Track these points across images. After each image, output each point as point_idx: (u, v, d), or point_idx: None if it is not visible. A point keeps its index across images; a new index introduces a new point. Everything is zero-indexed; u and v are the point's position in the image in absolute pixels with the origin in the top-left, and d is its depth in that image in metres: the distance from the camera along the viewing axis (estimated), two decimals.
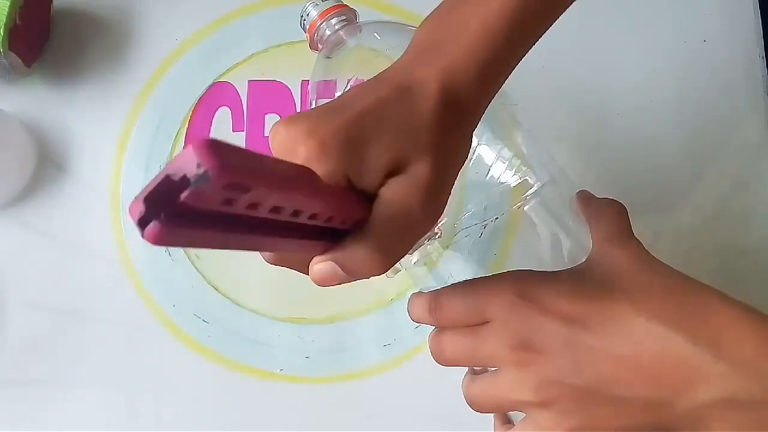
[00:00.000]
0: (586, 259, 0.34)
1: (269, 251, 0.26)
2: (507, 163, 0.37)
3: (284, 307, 0.47)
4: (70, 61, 0.51)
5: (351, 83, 0.40)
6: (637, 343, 0.29)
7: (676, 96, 0.51)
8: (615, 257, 0.33)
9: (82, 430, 0.45)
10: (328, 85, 0.42)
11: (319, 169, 0.25)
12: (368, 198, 0.27)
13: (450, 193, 0.29)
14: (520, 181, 0.36)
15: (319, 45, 0.43)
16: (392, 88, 0.28)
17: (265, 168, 0.21)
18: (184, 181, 0.18)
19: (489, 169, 0.37)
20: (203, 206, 0.19)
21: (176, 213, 0.18)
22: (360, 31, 0.42)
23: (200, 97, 0.51)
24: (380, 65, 0.31)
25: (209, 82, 0.51)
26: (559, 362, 0.30)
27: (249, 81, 0.51)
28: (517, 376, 0.31)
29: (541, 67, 0.48)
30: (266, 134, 0.50)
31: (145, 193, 0.18)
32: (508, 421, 0.36)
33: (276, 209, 0.22)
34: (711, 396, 0.28)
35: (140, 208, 0.18)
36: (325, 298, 0.47)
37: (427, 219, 0.27)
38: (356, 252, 0.26)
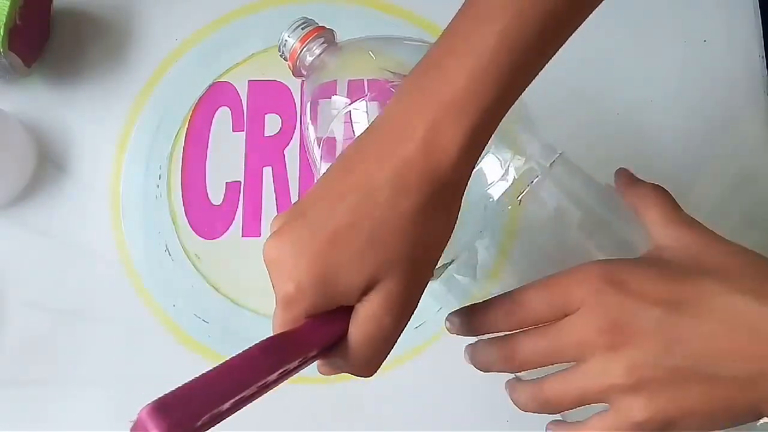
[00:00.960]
0: (652, 248, 0.33)
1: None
2: (505, 162, 0.37)
3: None
4: (70, 61, 0.51)
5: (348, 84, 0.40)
6: (731, 319, 0.29)
7: (676, 96, 0.51)
8: (685, 238, 0.32)
9: (82, 430, 0.45)
10: (327, 86, 0.41)
11: (299, 307, 0.28)
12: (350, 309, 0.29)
13: (425, 287, 0.30)
14: (516, 176, 0.36)
15: (302, 71, 0.43)
16: (363, 194, 0.28)
17: (220, 394, 0.24)
18: None
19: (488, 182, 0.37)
20: None
21: None
22: (341, 51, 0.42)
23: (200, 97, 0.51)
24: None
25: (209, 82, 0.51)
26: (652, 343, 0.29)
27: (249, 81, 0.51)
28: (606, 361, 0.30)
29: None
30: (266, 134, 0.50)
31: None
32: (564, 423, 0.35)
33: (245, 399, 0.25)
34: None
35: None
36: None
37: (399, 327, 0.30)
38: (343, 365, 0.30)
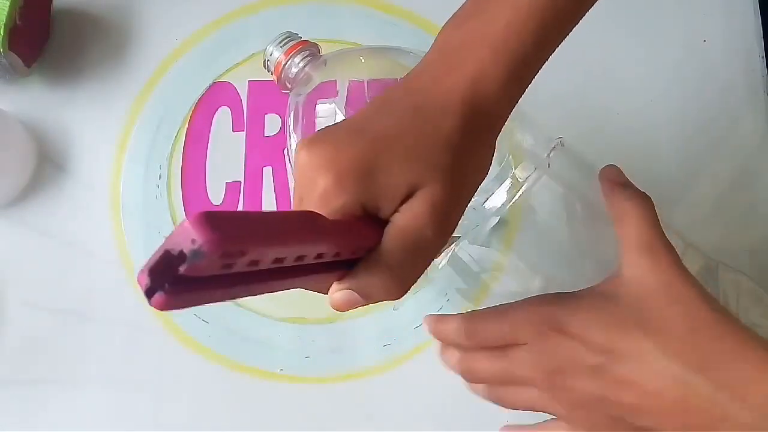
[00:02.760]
0: (615, 272, 0.33)
1: (281, 290, 0.27)
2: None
3: (284, 307, 0.47)
4: (70, 61, 0.51)
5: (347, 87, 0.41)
6: (660, 382, 0.29)
7: (676, 96, 0.51)
8: (644, 276, 0.32)
9: (82, 430, 0.45)
10: (326, 86, 0.42)
11: (336, 201, 0.26)
12: (383, 223, 0.28)
13: (465, 210, 0.29)
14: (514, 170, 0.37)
15: (287, 84, 0.43)
16: (411, 110, 0.28)
17: (260, 230, 0.22)
18: (182, 256, 0.19)
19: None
20: (203, 274, 0.20)
21: (179, 282, 0.20)
22: (325, 64, 0.42)
23: (200, 97, 0.51)
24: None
25: (209, 82, 0.51)
26: (588, 389, 0.31)
27: (249, 81, 0.51)
28: (548, 397, 0.32)
29: None
30: (266, 134, 0.50)
31: (149, 266, 0.20)
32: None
33: (278, 260, 0.23)
34: None
35: (145, 280, 0.20)
36: (325, 298, 0.47)
37: (439, 241, 0.28)
38: (370, 280, 0.27)
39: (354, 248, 0.27)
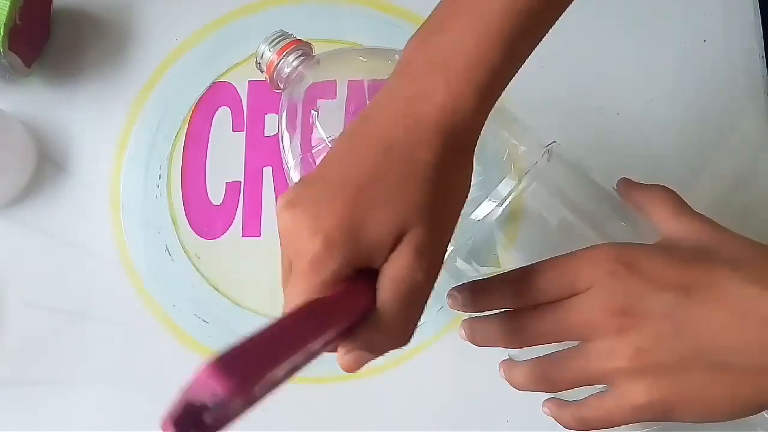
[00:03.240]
0: (663, 237, 0.33)
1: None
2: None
3: None
4: (70, 61, 0.51)
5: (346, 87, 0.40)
6: (742, 309, 0.29)
7: (676, 96, 0.51)
8: (696, 229, 0.32)
9: (82, 429, 0.45)
10: (325, 86, 0.42)
11: (328, 268, 0.26)
12: (373, 273, 0.28)
13: (450, 239, 0.29)
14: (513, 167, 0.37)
15: (279, 84, 0.43)
16: (383, 149, 0.28)
17: (278, 354, 0.22)
18: (204, 408, 0.19)
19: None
20: (230, 416, 0.20)
21: (206, 426, 0.20)
22: (318, 64, 0.42)
23: (200, 97, 0.51)
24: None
25: (209, 82, 0.51)
26: (661, 328, 0.29)
27: (249, 81, 0.51)
28: (613, 343, 0.30)
29: (540, 67, 0.48)
30: (266, 134, 0.50)
31: (174, 419, 0.20)
32: (561, 401, 0.35)
33: (294, 366, 0.23)
34: None
35: (171, 430, 0.20)
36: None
37: (430, 282, 0.28)
38: (375, 336, 0.27)
39: (357, 316, 0.27)
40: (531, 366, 0.33)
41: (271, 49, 0.42)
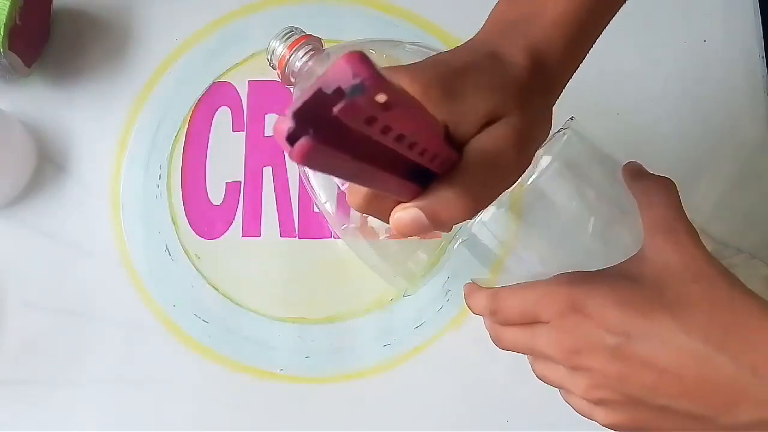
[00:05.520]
0: (639, 252, 0.34)
1: (378, 188, 0.26)
2: None
3: (284, 307, 0.47)
4: (70, 61, 0.51)
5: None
6: (679, 359, 0.29)
7: (676, 96, 0.51)
8: (667, 255, 0.32)
9: (82, 430, 0.45)
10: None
11: None
12: (461, 147, 0.27)
13: (537, 149, 0.30)
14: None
15: (291, 78, 0.43)
16: (483, 54, 0.29)
17: (401, 88, 0.21)
18: (338, 94, 0.18)
19: None
20: (350, 122, 0.19)
21: (324, 129, 0.18)
22: (329, 57, 0.42)
23: (200, 97, 0.51)
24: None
25: (209, 82, 0.51)
26: (607, 370, 0.31)
27: (249, 81, 0.51)
28: (570, 376, 0.32)
29: None
30: (267, 134, 0.50)
31: (296, 108, 0.18)
32: None
33: (399, 137, 0.22)
34: (751, 417, 0.28)
35: (289, 124, 0.18)
36: (325, 298, 0.47)
37: (518, 167, 0.28)
38: (445, 195, 0.26)
39: (448, 152, 0.26)
40: (532, 366, 0.35)
41: (282, 45, 0.42)
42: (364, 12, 0.52)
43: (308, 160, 0.18)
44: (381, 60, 0.41)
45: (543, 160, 0.37)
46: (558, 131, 0.37)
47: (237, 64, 0.51)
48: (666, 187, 0.35)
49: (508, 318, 0.34)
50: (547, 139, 0.33)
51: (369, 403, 0.45)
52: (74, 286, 0.47)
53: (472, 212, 0.27)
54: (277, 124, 0.18)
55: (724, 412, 0.29)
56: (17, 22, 0.46)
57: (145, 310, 0.47)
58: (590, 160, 0.38)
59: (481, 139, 0.27)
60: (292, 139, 0.18)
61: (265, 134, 0.50)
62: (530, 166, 0.31)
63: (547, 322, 0.33)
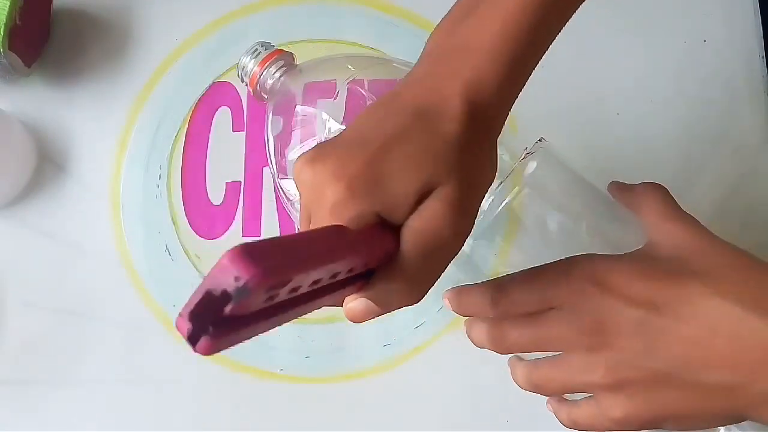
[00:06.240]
0: (647, 242, 0.33)
1: (314, 309, 0.25)
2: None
3: None
4: (70, 61, 0.51)
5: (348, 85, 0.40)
6: (711, 324, 0.28)
7: (677, 96, 0.51)
8: (678, 235, 0.32)
9: (81, 429, 0.45)
10: (323, 86, 0.41)
11: (349, 211, 0.25)
12: (397, 230, 0.27)
13: (477, 211, 0.29)
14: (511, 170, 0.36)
15: (263, 95, 0.43)
16: (411, 114, 0.28)
17: (298, 255, 0.21)
18: (225, 296, 0.18)
19: None
20: (247, 311, 0.19)
21: (222, 324, 0.19)
22: (301, 72, 0.42)
23: (200, 97, 0.51)
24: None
25: (209, 82, 0.51)
26: (632, 345, 0.29)
27: None
28: (587, 360, 0.30)
29: (540, 67, 0.48)
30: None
31: (189, 310, 0.19)
32: (562, 398, 0.35)
33: (315, 282, 0.22)
34: None
35: (187, 325, 0.19)
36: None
37: (457, 240, 0.27)
38: (388, 288, 0.26)
39: (379, 257, 0.26)
40: (526, 369, 0.33)
41: (253, 61, 0.42)
42: (364, 12, 0.52)
43: (214, 352, 0.19)
44: (362, 78, 0.41)
45: (511, 187, 0.36)
46: (527, 154, 0.36)
47: (237, 64, 0.51)
48: (657, 187, 0.35)
49: (516, 304, 0.32)
50: (520, 158, 0.32)
51: (369, 403, 0.45)
52: (74, 286, 0.47)
53: (419, 296, 0.27)
54: (177, 322, 0.19)
55: (760, 373, 0.28)
56: (17, 22, 0.46)
57: (145, 310, 0.47)
58: (565, 186, 0.37)
59: (414, 222, 0.26)
60: (193, 339, 0.19)
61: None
62: (504, 191, 0.30)
63: (560, 307, 0.31)
